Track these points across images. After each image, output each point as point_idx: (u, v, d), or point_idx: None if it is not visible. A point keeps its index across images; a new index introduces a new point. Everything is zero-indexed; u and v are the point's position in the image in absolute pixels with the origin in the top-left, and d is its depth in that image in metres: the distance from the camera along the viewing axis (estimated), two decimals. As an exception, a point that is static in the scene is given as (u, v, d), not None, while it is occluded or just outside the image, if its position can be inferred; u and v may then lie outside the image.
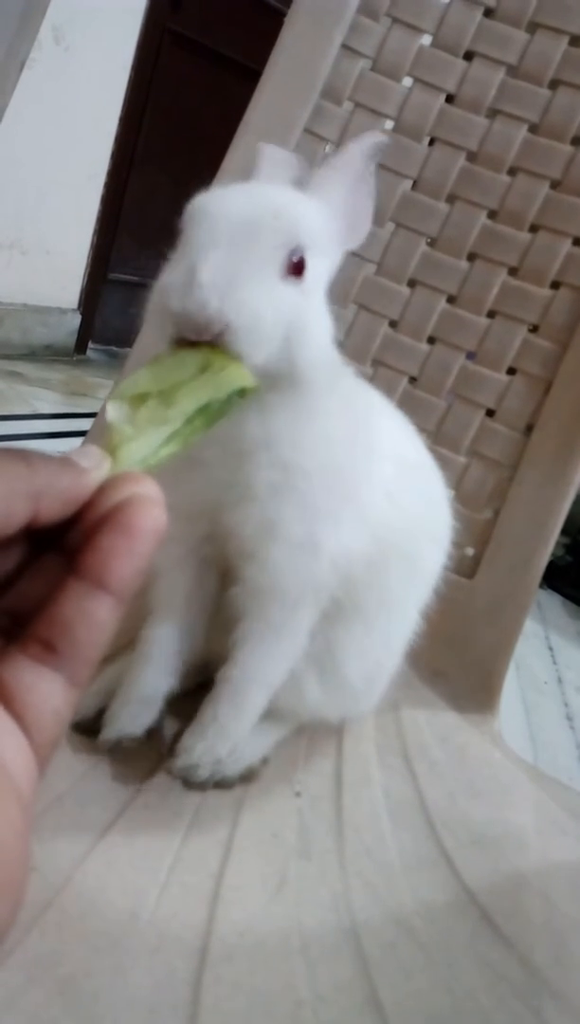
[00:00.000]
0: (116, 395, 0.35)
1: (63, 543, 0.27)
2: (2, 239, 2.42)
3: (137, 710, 0.55)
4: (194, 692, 0.61)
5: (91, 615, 0.25)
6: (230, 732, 0.53)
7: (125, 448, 0.31)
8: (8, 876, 0.22)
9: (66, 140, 2.41)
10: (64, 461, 0.27)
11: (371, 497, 0.52)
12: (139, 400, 0.35)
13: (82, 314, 2.74)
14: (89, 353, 2.88)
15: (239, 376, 0.39)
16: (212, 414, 0.37)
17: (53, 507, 0.26)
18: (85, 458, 0.27)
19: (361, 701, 0.62)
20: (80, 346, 2.81)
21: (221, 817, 0.54)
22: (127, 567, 0.25)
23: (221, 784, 0.56)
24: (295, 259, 0.43)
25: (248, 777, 0.57)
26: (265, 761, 0.59)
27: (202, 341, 0.39)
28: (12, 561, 0.27)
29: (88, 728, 0.56)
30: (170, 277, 0.41)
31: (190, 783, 0.55)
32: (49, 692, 0.25)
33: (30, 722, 0.25)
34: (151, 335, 0.43)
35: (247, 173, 0.53)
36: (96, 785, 0.53)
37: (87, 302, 2.74)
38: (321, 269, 0.47)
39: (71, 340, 2.76)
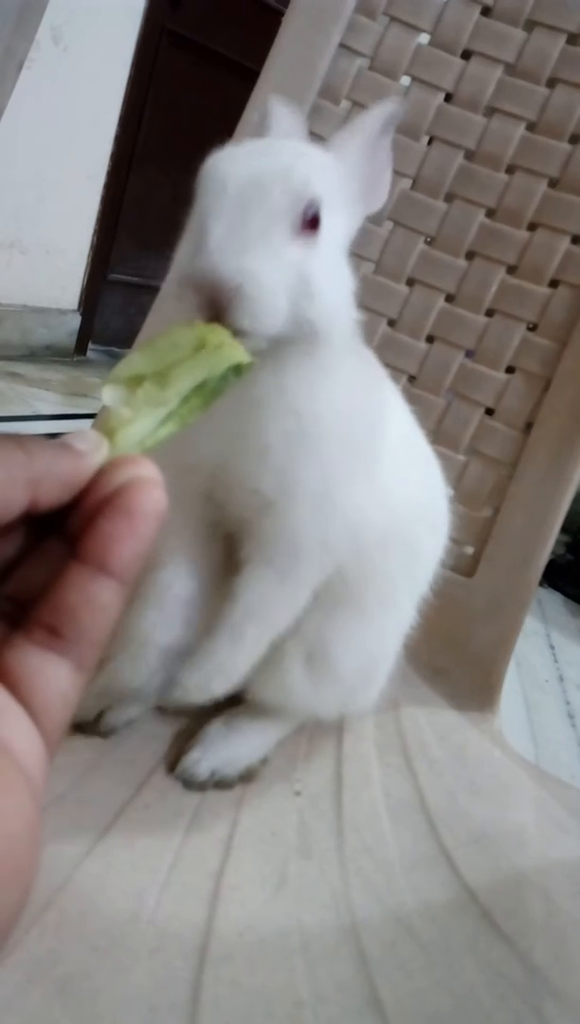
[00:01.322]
0: (111, 378, 0.35)
1: (64, 528, 0.27)
2: (2, 239, 2.42)
3: (147, 658, 0.53)
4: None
5: (95, 599, 0.25)
6: (226, 668, 0.52)
7: (123, 431, 0.31)
8: (18, 864, 0.22)
9: (65, 140, 2.41)
10: (61, 445, 0.27)
11: (382, 460, 0.52)
12: (135, 382, 0.35)
13: (82, 315, 2.74)
14: (89, 354, 2.88)
15: (235, 353, 0.38)
16: (209, 392, 0.37)
17: (52, 492, 0.26)
18: (82, 441, 0.27)
19: (357, 697, 0.61)
20: (80, 347, 2.80)
21: (221, 816, 0.54)
22: (129, 550, 0.25)
23: (221, 784, 0.56)
24: (309, 215, 0.42)
25: (248, 777, 0.57)
26: (265, 761, 0.59)
27: (212, 312, 0.39)
28: (13, 547, 0.27)
29: (89, 729, 0.56)
30: (184, 248, 0.42)
31: (190, 783, 0.55)
32: (56, 677, 0.25)
33: (38, 707, 0.25)
34: (173, 308, 0.43)
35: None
36: (96, 785, 0.53)
37: (87, 302, 2.74)
38: (338, 225, 0.46)
39: (71, 341, 2.76)
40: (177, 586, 0.55)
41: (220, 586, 0.55)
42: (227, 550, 0.55)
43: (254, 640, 0.52)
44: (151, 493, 0.26)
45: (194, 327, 0.39)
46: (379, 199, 0.51)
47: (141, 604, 0.54)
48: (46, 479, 0.25)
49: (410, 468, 0.56)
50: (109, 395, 0.34)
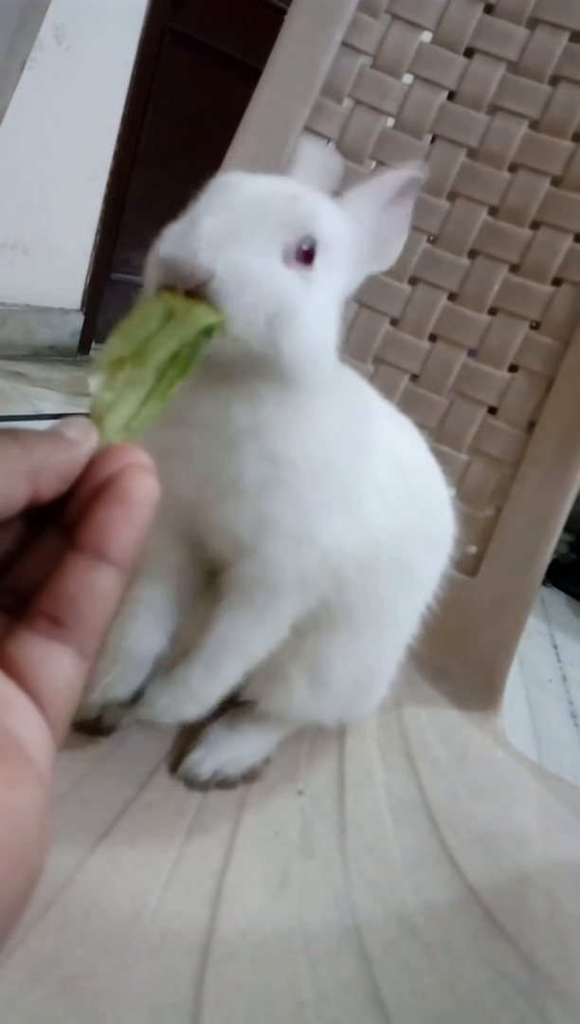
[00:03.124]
0: (95, 367, 0.35)
1: (60, 518, 0.27)
2: (4, 239, 2.42)
3: (125, 670, 0.53)
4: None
5: (95, 586, 0.25)
6: (198, 695, 0.52)
7: (109, 416, 0.31)
8: (26, 852, 0.22)
9: (68, 140, 2.40)
10: (54, 436, 0.27)
11: (362, 494, 0.51)
12: (116, 366, 0.35)
13: (85, 314, 2.74)
14: (92, 353, 2.87)
15: (203, 314, 0.38)
16: (184, 361, 0.36)
17: (51, 484, 0.26)
18: (72, 429, 0.27)
19: (355, 705, 0.61)
20: (83, 346, 2.80)
21: (223, 816, 0.54)
22: (126, 536, 0.26)
23: (223, 784, 0.56)
24: (304, 247, 0.42)
25: (250, 776, 0.57)
26: (267, 760, 0.59)
27: (185, 290, 0.38)
28: (12, 539, 0.27)
29: (90, 728, 0.56)
30: (172, 229, 0.40)
31: (192, 783, 0.55)
32: (60, 665, 0.25)
33: (44, 696, 0.25)
34: (144, 282, 0.42)
35: (249, 170, 0.53)
36: (98, 785, 0.53)
37: (90, 302, 2.73)
38: (334, 276, 0.45)
39: (74, 340, 2.76)
40: (157, 600, 0.55)
41: (199, 601, 0.55)
42: (207, 569, 0.55)
43: (228, 671, 0.52)
44: (144, 480, 0.26)
45: (161, 298, 0.38)
46: (388, 260, 0.51)
47: (127, 622, 0.55)
48: (44, 471, 0.26)
49: (401, 491, 0.54)
50: (94, 384, 0.34)
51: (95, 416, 0.31)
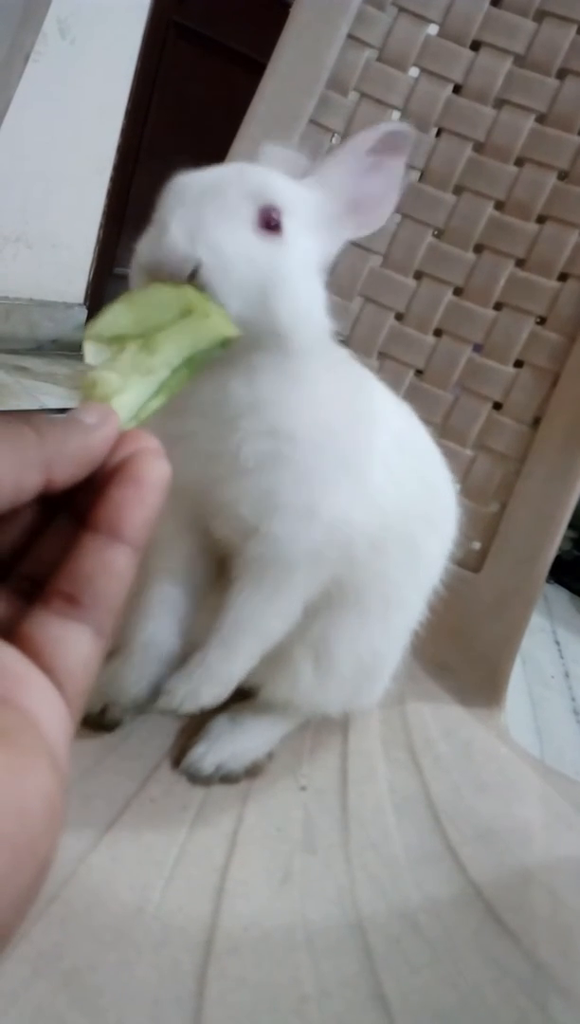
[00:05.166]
0: (93, 334, 0.34)
1: (74, 504, 0.28)
2: (8, 233, 2.41)
3: (146, 669, 0.54)
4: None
5: (110, 565, 0.26)
6: (217, 677, 0.52)
7: (116, 399, 0.31)
8: (34, 843, 0.21)
9: (72, 134, 2.40)
10: (71, 421, 0.27)
11: (370, 464, 0.51)
12: (117, 341, 0.34)
13: (88, 308, 2.74)
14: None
15: (223, 325, 0.38)
16: (196, 364, 0.36)
17: (65, 471, 0.26)
18: (90, 415, 0.28)
19: (361, 693, 0.61)
20: (86, 340, 2.80)
21: (226, 811, 0.54)
22: (140, 516, 0.26)
23: (226, 779, 0.56)
24: (270, 219, 0.43)
25: (253, 772, 0.57)
26: (270, 755, 0.59)
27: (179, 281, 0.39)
28: (27, 526, 0.28)
29: (94, 722, 0.56)
30: (144, 237, 0.42)
31: (195, 778, 0.55)
32: (77, 642, 0.25)
33: (61, 674, 0.25)
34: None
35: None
36: (101, 779, 0.53)
37: (93, 296, 2.73)
38: (307, 240, 0.46)
39: (77, 334, 2.75)
40: (170, 597, 0.55)
41: (212, 596, 0.55)
42: (218, 558, 0.55)
43: (246, 652, 0.52)
44: (156, 462, 0.27)
45: (180, 288, 0.38)
46: (373, 223, 0.50)
47: (138, 615, 0.55)
48: (58, 459, 0.26)
49: (405, 467, 0.54)
50: (93, 355, 0.33)
51: (99, 395, 0.30)
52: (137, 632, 0.55)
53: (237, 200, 0.43)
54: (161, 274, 0.40)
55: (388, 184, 0.49)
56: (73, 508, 0.28)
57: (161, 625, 0.55)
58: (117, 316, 0.35)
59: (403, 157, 0.49)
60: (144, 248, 0.42)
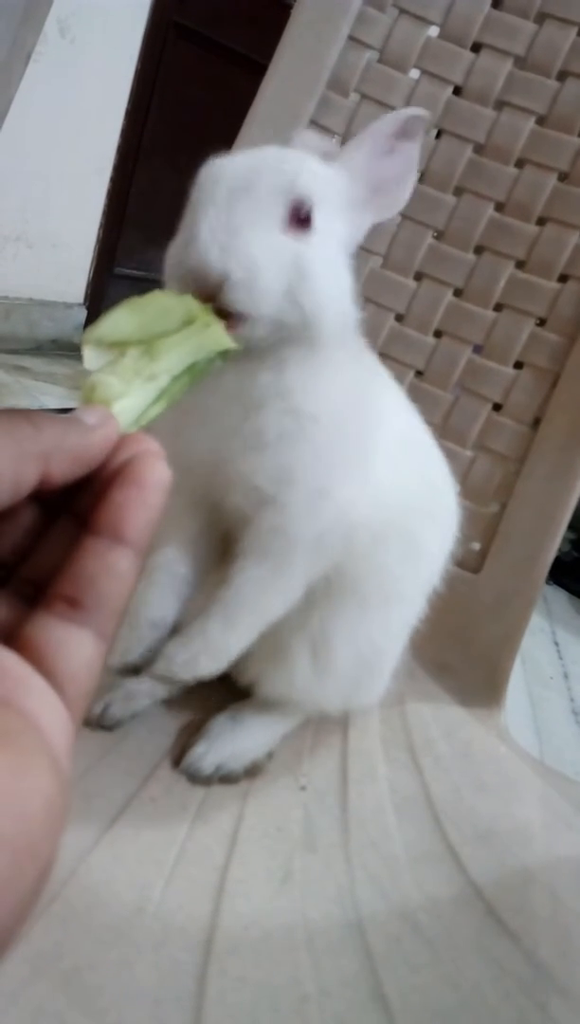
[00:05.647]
0: (93, 338, 0.34)
1: (75, 508, 0.28)
2: (8, 233, 2.41)
3: (143, 634, 0.54)
4: (193, 687, 0.62)
5: (113, 567, 0.26)
6: (216, 649, 0.52)
7: (118, 404, 0.31)
8: (33, 845, 0.21)
9: (72, 133, 2.40)
10: (70, 419, 0.27)
11: (374, 457, 0.52)
12: (118, 346, 0.34)
13: (88, 308, 2.73)
14: (95, 347, 2.87)
15: (222, 337, 0.38)
16: (196, 373, 0.36)
17: (63, 466, 0.26)
18: (91, 415, 0.28)
19: (360, 689, 0.61)
20: (86, 340, 2.80)
21: (226, 810, 0.54)
22: (141, 517, 0.26)
23: (226, 779, 0.56)
24: (301, 214, 0.44)
25: (253, 771, 0.57)
26: (270, 755, 0.59)
27: (204, 296, 0.40)
28: (28, 527, 0.28)
29: (94, 722, 0.56)
30: (176, 242, 0.43)
31: (195, 777, 0.55)
32: (79, 645, 0.25)
33: (62, 677, 0.25)
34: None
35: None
36: (101, 778, 0.53)
37: (93, 296, 2.73)
38: (336, 229, 0.47)
39: (77, 334, 2.75)
40: (174, 565, 0.55)
41: (215, 570, 0.55)
42: (223, 538, 0.55)
43: (246, 626, 0.52)
44: (156, 464, 0.27)
45: (183, 298, 0.38)
46: (394, 206, 0.51)
47: (144, 587, 0.55)
48: (56, 453, 0.26)
49: (407, 463, 0.56)
50: (92, 359, 0.33)
51: (101, 399, 0.30)
52: (139, 598, 0.55)
53: (268, 196, 0.43)
54: (189, 286, 0.40)
55: (406, 166, 0.51)
56: (74, 511, 0.28)
57: (161, 593, 0.54)
58: (119, 321, 0.35)
59: (419, 140, 0.50)
60: (175, 254, 0.42)
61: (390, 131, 0.49)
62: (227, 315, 0.41)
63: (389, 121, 0.49)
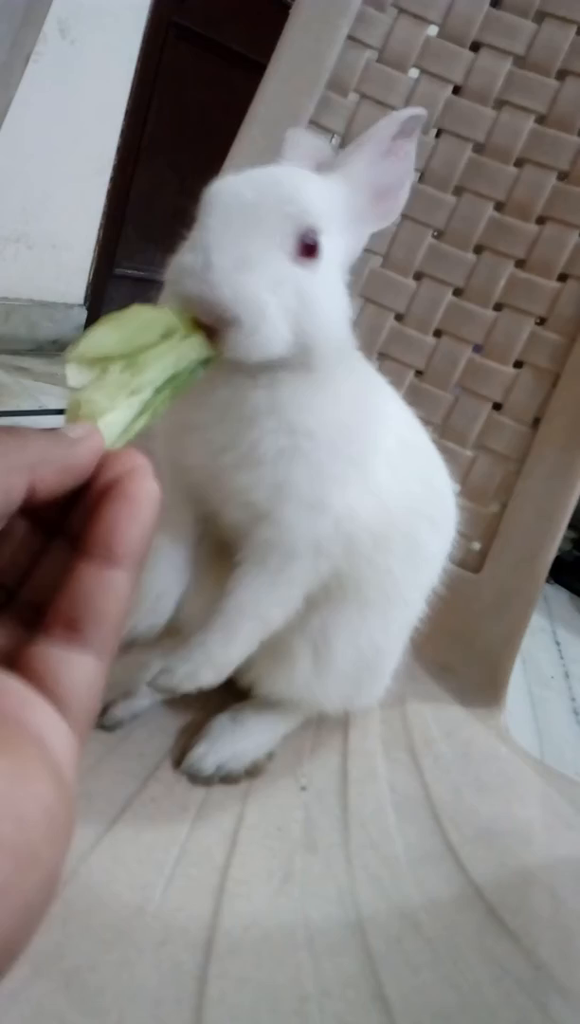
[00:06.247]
0: (76, 356, 0.34)
1: (70, 528, 0.28)
2: (8, 234, 2.41)
3: (152, 605, 0.54)
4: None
5: (108, 585, 0.26)
6: (216, 659, 0.52)
7: (103, 420, 0.31)
8: (34, 851, 0.22)
9: (72, 134, 2.40)
10: (55, 433, 0.28)
11: (375, 463, 0.52)
12: (100, 362, 0.34)
13: (88, 309, 2.73)
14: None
15: (202, 347, 0.39)
16: (179, 384, 0.37)
17: (49, 478, 0.26)
18: (75, 430, 0.28)
19: (360, 690, 0.61)
20: (86, 341, 2.80)
21: (226, 811, 0.54)
22: (133, 533, 0.26)
23: (227, 779, 0.56)
24: (308, 242, 0.44)
25: (253, 771, 0.57)
26: (270, 755, 0.59)
27: (206, 329, 0.40)
28: (23, 547, 0.28)
29: (95, 723, 0.56)
30: (185, 257, 0.42)
31: (196, 777, 0.55)
32: (80, 666, 0.25)
33: (64, 698, 0.25)
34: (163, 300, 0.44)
35: (254, 165, 0.53)
36: (102, 779, 0.53)
37: (93, 297, 2.73)
38: (337, 248, 0.47)
39: (77, 335, 2.72)
40: (177, 552, 0.55)
41: (209, 582, 0.56)
42: (220, 547, 0.55)
43: (246, 636, 0.52)
44: (145, 480, 0.27)
45: (162, 311, 0.38)
46: (394, 211, 0.51)
47: (155, 559, 0.55)
48: (42, 465, 0.26)
49: (408, 467, 0.55)
50: (76, 376, 0.33)
51: (86, 415, 0.30)
52: (150, 572, 0.55)
53: (278, 227, 0.43)
54: (191, 309, 0.40)
55: (404, 168, 0.50)
56: (69, 533, 0.28)
57: (165, 568, 0.55)
58: (101, 337, 0.35)
59: (415, 138, 0.50)
60: (183, 273, 0.41)
61: (390, 134, 0.49)
62: (210, 330, 0.40)
63: (388, 124, 0.49)
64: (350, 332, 0.49)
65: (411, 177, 0.51)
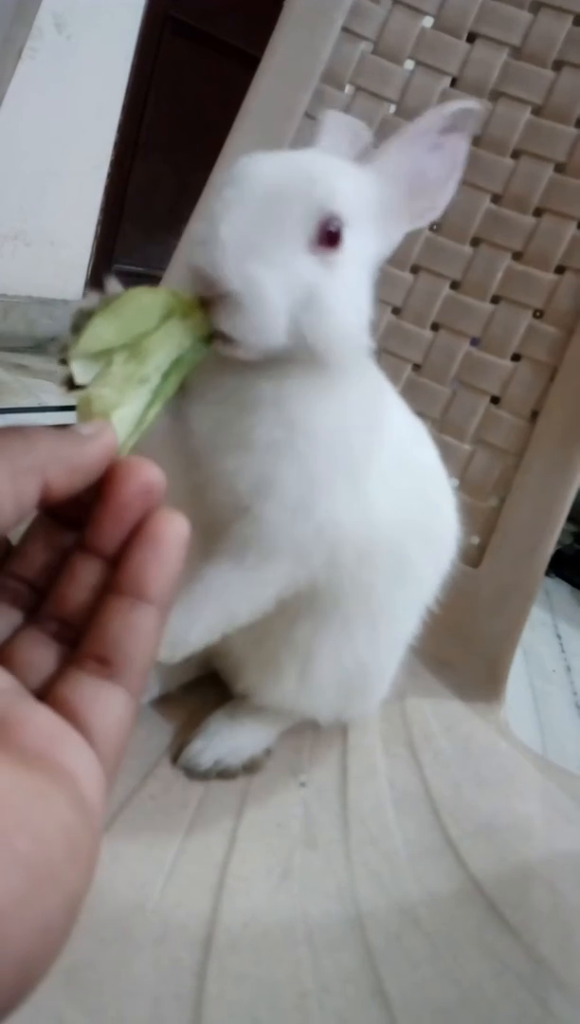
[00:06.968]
0: (79, 351, 0.34)
1: (93, 542, 0.29)
2: (6, 230, 2.41)
3: None
4: (191, 686, 0.62)
5: (137, 627, 0.27)
6: (174, 638, 0.49)
7: (115, 415, 0.31)
8: (54, 870, 0.21)
9: (69, 130, 2.39)
10: (65, 431, 0.28)
11: (368, 479, 0.50)
12: (103, 355, 0.34)
13: (87, 306, 2.73)
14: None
15: (203, 323, 0.38)
16: (185, 365, 0.36)
17: (61, 478, 0.27)
18: (87, 427, 0.29)
19: (350, 703, 0.59)
20: (85, 338, 2.79)
21: (226, 807, 0.54)
22: (162, 576, 0.27)
23: (224, 774, 0.56)
24: (331, 229, 0.41)
25: (251, 767, 0.57)
26: (268, 751, 0.59)
27: (204, 302, 0.39)
28: (45, 547, 0.29)
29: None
30: (195, 225, 0.41)
31: (193, 773, 0.55)
32: (111, 703, 0.26)
33: (96, 734, 0.26)
34: (179, 282, 0.42)
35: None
36: (100, 776, 0.53)
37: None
38: (363, 247, 0.44)
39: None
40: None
41: (192, 555, 0.54)
42: (202, 523, 0.54)
43: (206, 623, 0.50)
44: (172, 521, 0.28)
45: (158, 292, 0.38)
46: (433, 211, 0.48)
47: None
48: (53, 464, 0.26)
49: (406, 484, 0.53)
50: (82, 373, 0.33)
51: (96, 412, 0.30)
52: None
53: (298, 213, 0.40)
54: (200, 283, 0.39)
55: (452, 164, 0.47)
56: (93, 547, 0.29)
57: None
58: (100, 329, 0.34)
59: (467, 135, 0.47)
60: (194, 247, 0.39)
61: (437, 128, 0.46)
62: (211, 306, 0.39)
63: (437, 116, 0.45)
64: (367, 337, 0.46)
65: (458, 176, 0.47)
